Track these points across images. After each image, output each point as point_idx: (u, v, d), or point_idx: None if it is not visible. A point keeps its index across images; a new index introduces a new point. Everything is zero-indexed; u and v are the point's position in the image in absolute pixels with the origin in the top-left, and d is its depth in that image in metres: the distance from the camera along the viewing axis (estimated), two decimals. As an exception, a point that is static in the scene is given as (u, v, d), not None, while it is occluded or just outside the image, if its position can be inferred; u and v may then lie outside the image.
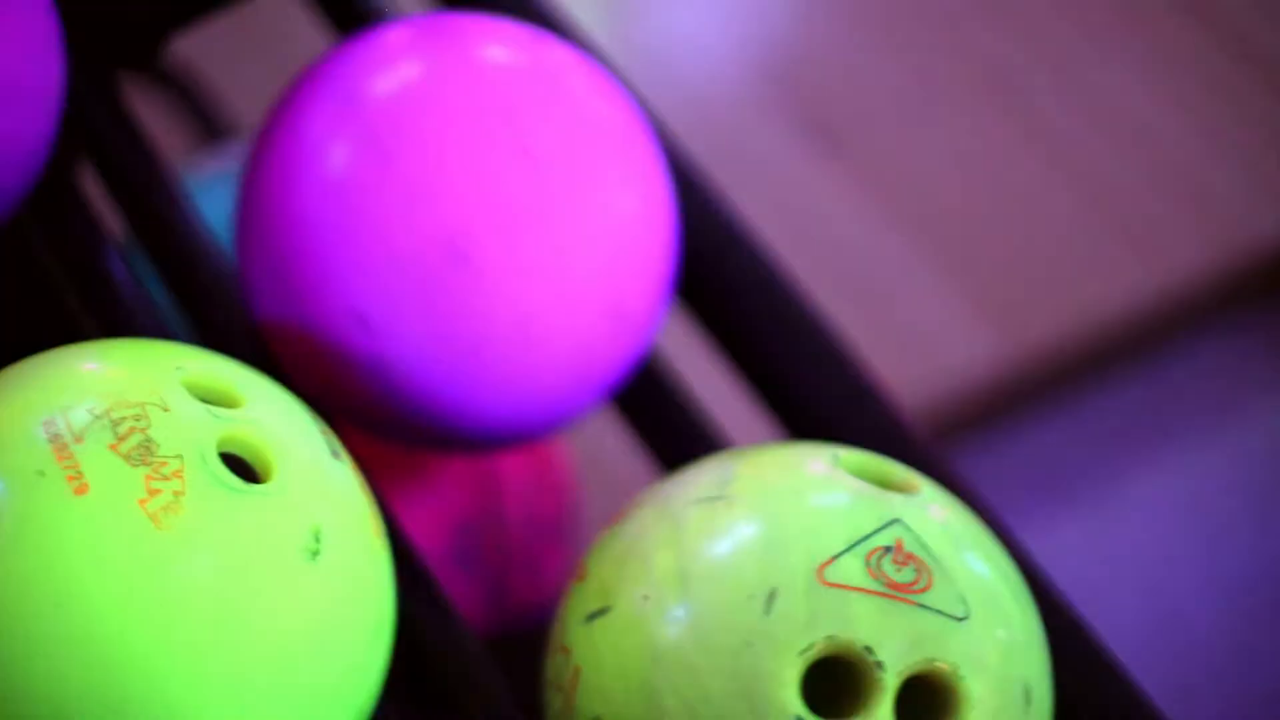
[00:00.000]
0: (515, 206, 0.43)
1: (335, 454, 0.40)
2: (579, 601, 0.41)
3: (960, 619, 0.38)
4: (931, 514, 0.40)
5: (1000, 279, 0.98)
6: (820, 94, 1.05)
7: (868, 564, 0.38)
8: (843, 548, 0.38)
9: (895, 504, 0.40)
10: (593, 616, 0.40)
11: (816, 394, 0.49)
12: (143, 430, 0.37)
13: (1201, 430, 0.98)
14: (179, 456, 0.37)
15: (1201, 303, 1.01)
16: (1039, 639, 0.40)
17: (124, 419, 0.37)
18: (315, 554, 0.37)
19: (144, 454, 0.36)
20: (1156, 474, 0.97)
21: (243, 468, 0.38)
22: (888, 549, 0.39)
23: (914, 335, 0.95)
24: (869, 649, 0.37)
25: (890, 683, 0.37)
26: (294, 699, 0.37)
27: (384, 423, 0.46)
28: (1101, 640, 0.47)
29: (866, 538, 0.39)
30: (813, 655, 0.37)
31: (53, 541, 0.36)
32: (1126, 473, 0.96)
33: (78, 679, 0.35)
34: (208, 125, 0.84)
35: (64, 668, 0.35)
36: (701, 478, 0.41)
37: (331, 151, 0.44)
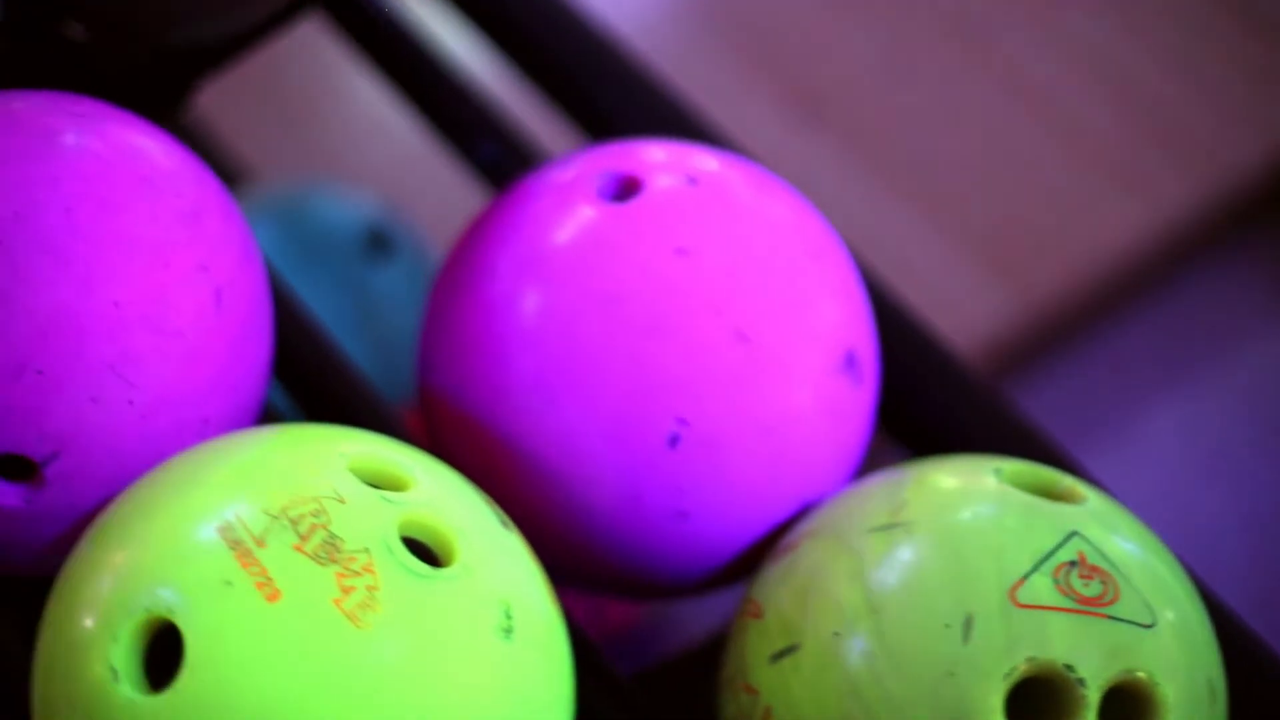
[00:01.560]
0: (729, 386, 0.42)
1: (505, 524, 0.39)
2: (760, 640, 0.40)
3: (1149, 626, 0.38)
4: (1103, 522, 0.40)
5: (997, 233, 0.98)
6: (800, 64, 1.05)
7: (1056, 581, 0.38)
8: (1030, 567, 0.38)
9: (1069, 516, 0.39)
10: (779, 656, 0.40)
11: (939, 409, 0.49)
12: (324, 526, 0.36)
13: (1212, 361, 0.99)
14: (365, 550, 0.36)
15: (1195, 237, 1.02)
16: (1211, 632, 0.41)
17: (303, 516, 0.36)
18: (509, 631, 0.37)
19: (330, 551, 0.35)
20: (1172, 410, 0.98)
21: (421, 550, 0.37)
22: (1072, 564, 0.38)
23: (917, 295, 0.95)
24: (1069, 667, 0.37)
25: (1093, 698, 0.37)
26: None
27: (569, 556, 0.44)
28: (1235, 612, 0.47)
29: (1050, 554, 0.39)
30: (1015, 678, 0.37)
31: (251, 653, 0.34)
32: (1143, 412, 0.97)
33: (292, 788, 0.34)
34: (222, 177, 0.82)
35: (278, 780, 0.34)
36: (869, 504, 0.41)
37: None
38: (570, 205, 0.43)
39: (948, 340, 0.51)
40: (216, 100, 0.70)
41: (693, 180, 0.43)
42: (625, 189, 0.43)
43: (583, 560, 0.43)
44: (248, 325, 0.42)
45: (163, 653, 0.36)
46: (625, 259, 0.42)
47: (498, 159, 0.54)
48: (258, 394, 0.43)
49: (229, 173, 0.82)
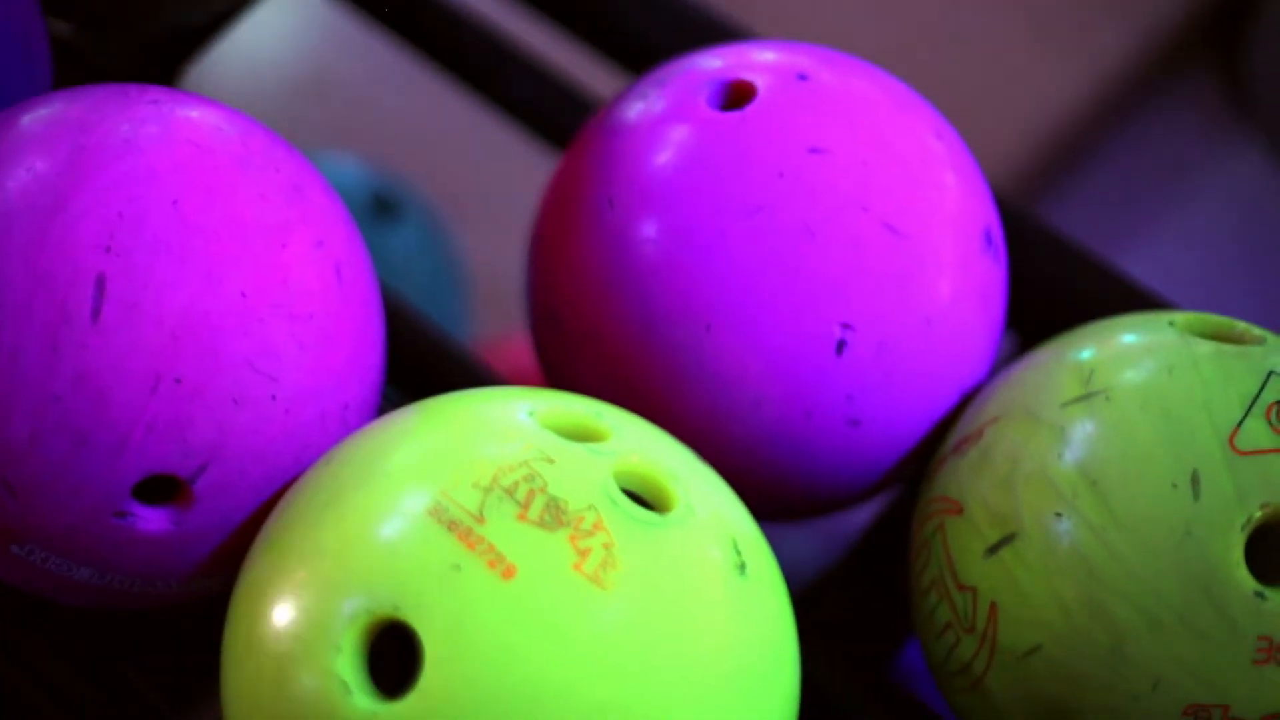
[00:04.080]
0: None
1: (701, 460, 0.37)
2: (968, 536, 0.39)
3: (1363, 452, 0.38)
4: (1294, 356, 0.39)
5: (940, 107, 0.97)
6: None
7: (1270, 423, 0.37)
8: (1241, 413, 0.37)
9: (1258, 356, 0.38)
10: (996, 548, 0.38)
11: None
12: (542, 489, 0.33)
13: (1170, 201, 1.00)
14: (591, 507, 0.33)
15: (1132, 83, 1.02)
16: None
17: (517, 483, 0.33)
18: (743, 567, 0.35)
19: (557, 514, 0.33)
20: (1142, 255, 0.98)
21: (636, 500, 0.35)
22: (1279, 403, 0.38)
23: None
24: (1303, 506, 0.37)
25: (1329, 533, 0.37)
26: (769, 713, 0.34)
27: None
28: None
29: (1257, 396, 0.37)
30: (1252, 527, 0.36)
31: (498, 637, 0.32)
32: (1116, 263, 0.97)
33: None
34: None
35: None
36: (1054, 378, 0.39)
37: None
38: (684, 120, 0.41)
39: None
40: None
41: (803, 76, 0.41)
42: (736, 96, 0.41)
43: (757, 484, 0.41)
44: (368, 300, 0.40)
45: (386, 657, 0.34)
46: (761, 167, 0.39)
47: (535, 97, 0.51)
48: (382, 373, 0.41)
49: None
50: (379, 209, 0.64)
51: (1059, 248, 0.48)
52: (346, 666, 0.33)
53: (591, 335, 0.41)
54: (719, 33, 0.51)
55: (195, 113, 0.39)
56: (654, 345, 0.40)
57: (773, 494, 0.42)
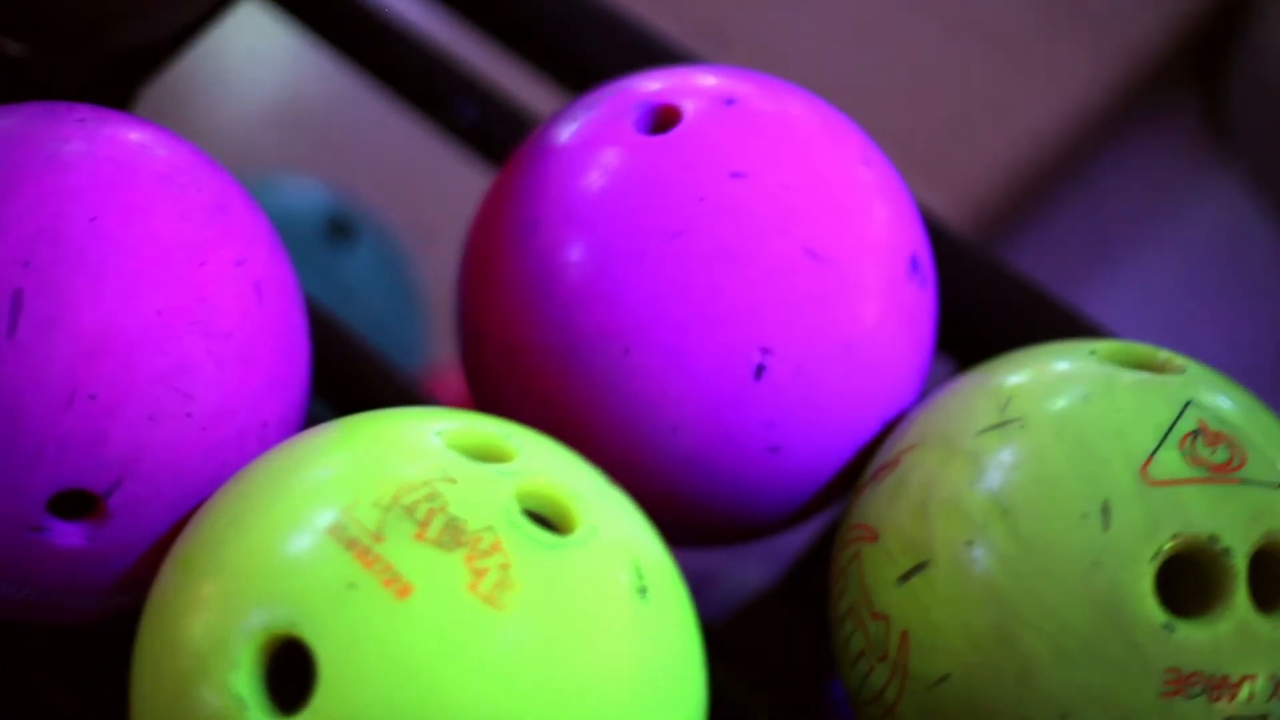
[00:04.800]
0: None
1: (609, 482, 0.37)
2: (882, 564, 0.39)
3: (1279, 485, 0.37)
4: (1211, 387, 0.39)
5: (914, 140, 0.97)
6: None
7: (1184, 453, 0.37)
8: (1155, 443, 0.37)
9: (1177, 386, 0.38)
10: (908, 576, 0.38)
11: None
12: (442, 509, 0.33)
13: (1146, 234, 1.00)
14: (490, 528, 0.33)
15: (1110, 113, 1.02)
16: None
17: (417, 503, 0.34)
18: (644, 590, 0.35)
19: (455, 534, 0.33)
20: (1113, 287, 0.98)
21: (539, 521, 0.35)
22: (1195, 433, 0.37)
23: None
24: (1213, 538, 0.36)
25: (1240, 566, 0.36)
26: None
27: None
28: None
29: (1172, 426, 0.37)
30: (1162, 558, 0.36)
31: (391, 655, 0.32)
32: (1087, 294, 0.97)
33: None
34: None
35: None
36: (970, 406, 0.39)
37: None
38: (610, 144, 0.41)
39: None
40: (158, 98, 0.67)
41: (729, 101, 0.41)
42: (663, 120, 0.41)
43: (675, 509, 0.41)
44: (289, 318, 0.40)
45: (283, 674, 0.34)
46: (682, 190, 0.40)
47: (478, 120, 0.51)
48: (305, 392, 0.41)
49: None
50: (334, 231, 0.64)
51: (995, 274, 0.48)
52: (244, 683, 0.33)
53: (514, 356, 0.41)
54: (672, 58, 0.51)
55: (121, 131, 0.39)
56: (574, 367, 0.40)
57: (693, 519, 0.42)
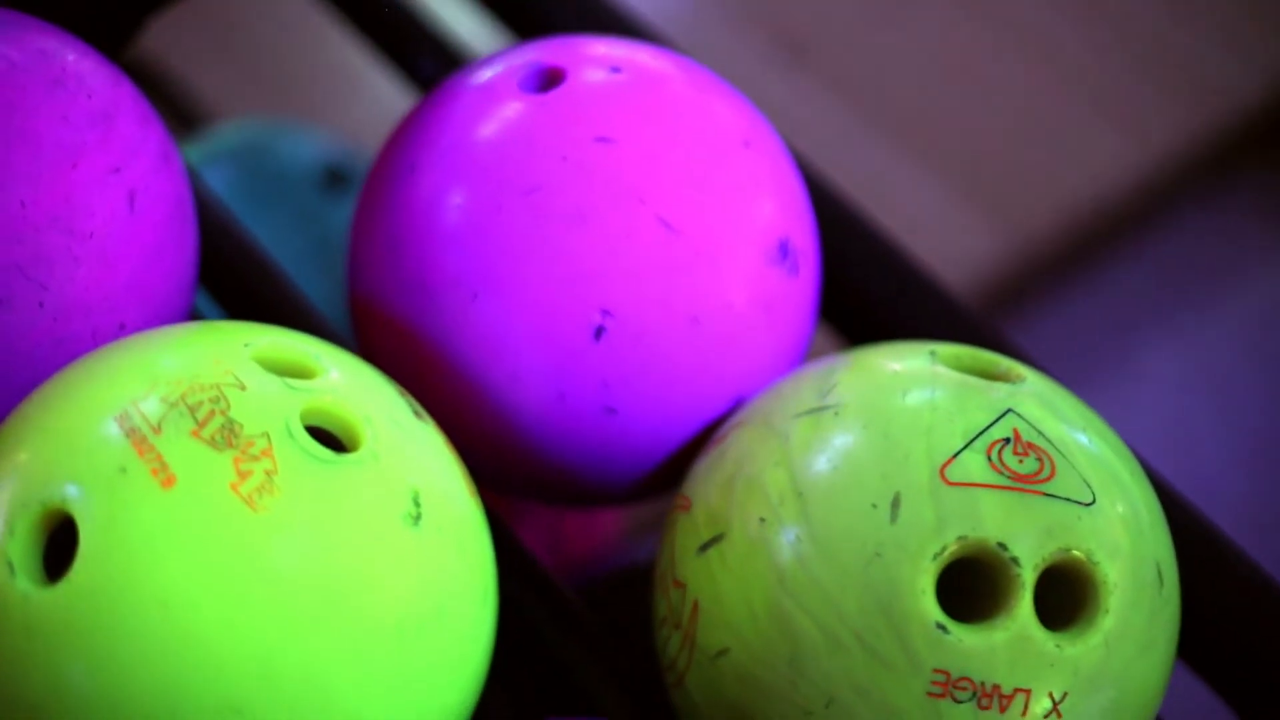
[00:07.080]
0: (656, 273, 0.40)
1: (418, 414, 0.38)
2: (688, 533, 0.39)
3: (1087, 504, 0.37)
4: (1041, 400, 0.38)
5: (985, 172, 0.96)
6: (782, 7, 1.03)
7: (989, 458, 0.37)
8: (961, 444, 0.37)
9: (1004, 394, 0.38)
10: (706, 546, 0.38)
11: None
12: (223, 412, 0.35)
13: (1205, 298, 0.98)
14: (264, 434, 0.35)
15: (1187, 171, 1.00)
16: (1161, 516, 0.39)
17: (201, 403, 0.35)
18: (417, 519, 0.35)
19: (228, 436, 0.34)
20: (1167, 348, 0.96)
21: (328, 439, 0.36)
22: (1006, 440, 0.37)
23: (910, 236, 0.93)
24: (1002, 545, 0.36)
25: (1028, 578, 0.36)
26: (411, 670, 0.35)
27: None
28: (1200, 511, 0.46)
29: (984, 431, 0.37)
30: (945, 559, 0.36)
31: (146, 540, 0.33)
32: (1138, 350, 0.95)
33: (191, 677, 0.33)
34: (180, 118, 0.81)
35: (176, 667, 0.33)
36: (800, 390, 0.39)
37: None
38: (491, 99, 0.42)
39: (893, 236, 0.50)
40: (170, 41, 0.70)
41: (616, 69, 0.42)
42: (547, 80, 0.42)
43: (510, 461, 0.42)
44: (165, 230, 0.41)
45: (67, 548, 0.35)
46: (545, 149, 0.40)
47: (438, 76, 0.53)
48: (179, 304, 0.42)
49: (185, 114, 0.81)
50: (330, 180, 0.65)
51: (896, 266, 0.48)
52: (17, 549, 0.34)
53: (375, 296, 0.42)
54: (639, 34, 0.52)
55: (25, 33, 0.41)
56: (425, 309, 0.41)
57: (530, 471, 0.42)
